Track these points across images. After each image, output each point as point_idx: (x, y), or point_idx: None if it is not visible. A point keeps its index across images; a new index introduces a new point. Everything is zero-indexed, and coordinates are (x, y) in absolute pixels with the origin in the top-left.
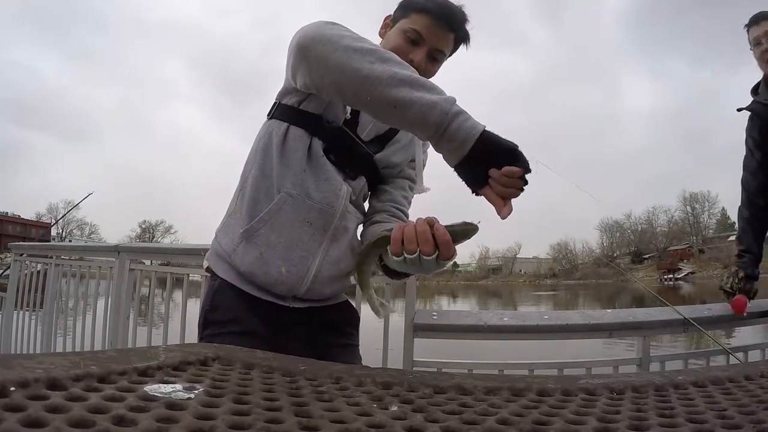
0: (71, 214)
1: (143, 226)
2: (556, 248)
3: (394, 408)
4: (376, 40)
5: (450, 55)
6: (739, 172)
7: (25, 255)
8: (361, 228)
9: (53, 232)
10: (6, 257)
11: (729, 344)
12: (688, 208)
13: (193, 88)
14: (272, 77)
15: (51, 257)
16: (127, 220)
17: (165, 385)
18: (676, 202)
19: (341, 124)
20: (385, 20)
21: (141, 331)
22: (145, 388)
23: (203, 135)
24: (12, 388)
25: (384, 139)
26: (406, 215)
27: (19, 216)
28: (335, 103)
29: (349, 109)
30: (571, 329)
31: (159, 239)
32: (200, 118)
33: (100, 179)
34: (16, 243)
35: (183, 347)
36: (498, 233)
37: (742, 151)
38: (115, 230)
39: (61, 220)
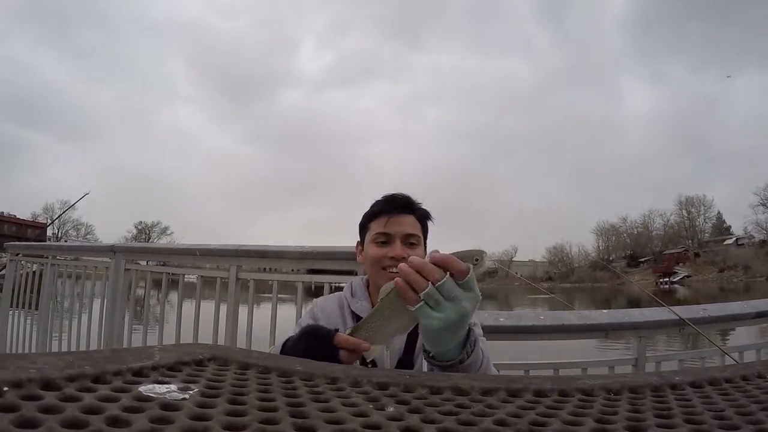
0: (67, 215)
1: (139, 226)
2: (552, 251)
3: (391, 409)
4: (356, 232)
5: (426, 235)
6: (737, 177)
7: (20, 255)
8: None
9: (49, 232)
10: (1, 257)
11: (724, 344)
12: (684, 212)
13: (192, 88)
14: (273, 78)
15: (47, 257)
16: (123, 221)
17: (160, 385)
18: (672, 206)
19: None
20: (357, 248)
21: (136, 331)
22: (139, 389)
23: (200, 136)
24: (5, 388)
25: None
26: None
27: (15, 216)
28: None
29: None
30: (567, 329)
31: (155, 240)
32: (198, 118)
33: (97, 179)
34: (12, 243)
35: (178, 347)
36: (495, 236)
37: (739, 156)
38: (111, 231)
39: (56, 221)
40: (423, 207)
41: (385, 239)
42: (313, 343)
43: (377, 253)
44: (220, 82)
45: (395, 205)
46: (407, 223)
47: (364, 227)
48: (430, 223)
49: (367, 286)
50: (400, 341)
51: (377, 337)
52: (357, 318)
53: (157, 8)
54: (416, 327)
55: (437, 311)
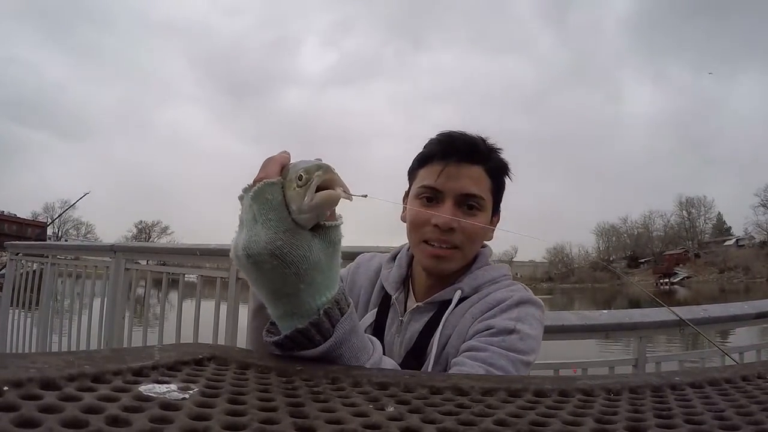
0: (67, 214)
1: (139, 226)
2: (552, 252)
3: (391, 409)
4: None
5: (499, 198)
6: (737, 177)
7: (21, 254)
8: None
9: (49, 231)
10: (2, 256)
11: (725, 345)
12: (685, 212)
13: (193, 87)
14: (275, 77)
15: (47, 257)
16: (123, 220)
17: (160, 385)
18: (673, 207)
19: None
20: (403, 199)
21: (136, 330)
22: (139, 388)
23: (202, 135)
24: (5, 388)
25: None
26: None
27: (15, 215)
28: None
29: None
30: (568, 330)
31: (155, 240)
32: (200, 118)
33: (97, 178)
34: (12, 242)
35: (178, 347)
36: (495, 236)
37: (739, 157)
38: (112, 230)
39: (57, 220)
40: (500, 155)
41: (432, 195)
42: None
43: (418, 216)
44: (222, 82)
45: (455, 150)
46: (469, 177)
47: (412, 173)
48: (508, 181)
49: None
50: (413, 331)
51: None
52: (381, 287)
53: (160, 7)
54: (435, 316)
55: (236, 233)
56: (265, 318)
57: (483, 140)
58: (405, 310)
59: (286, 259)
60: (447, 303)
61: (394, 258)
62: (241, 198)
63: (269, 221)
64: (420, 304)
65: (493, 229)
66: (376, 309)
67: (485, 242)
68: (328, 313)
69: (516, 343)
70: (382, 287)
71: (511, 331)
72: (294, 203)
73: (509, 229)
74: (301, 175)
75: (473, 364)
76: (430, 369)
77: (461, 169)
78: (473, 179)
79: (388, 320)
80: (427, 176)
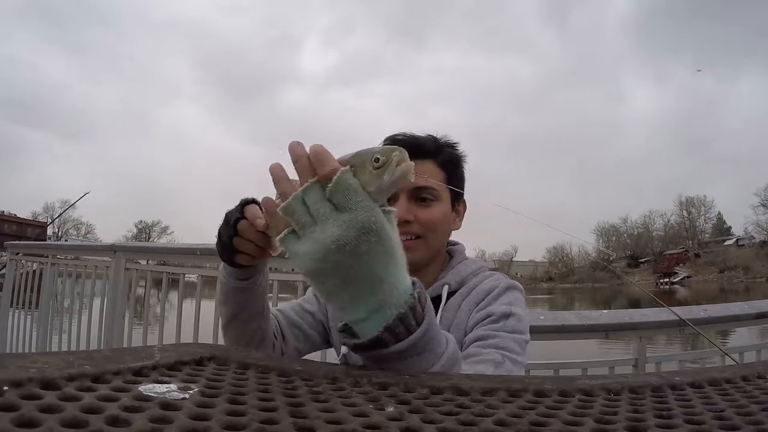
0: (67, 214)
1: (139, 226)
2: (552, 252)
3: (391, 409)
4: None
5: (456, 186)
6: (737, 177)
7: (20, 254)
8: None
9: (49, 231)
10: (2, 256)
11: (724, 345)
12: (685, 212)
13: (194, 87)
14: (276, 77)
15: (47, 256)
16: (123, 220)
17: (160, 385)
18: (673, 207)
19: None
20: None
21: (136, 330)
22: (139, 388)
23: (202, 135)
24: (5, 388)
25: None
26: None
27: (15, 215)
28: None
29: None
30: (567, 330)
31: (155, 239)
32: (200, 117)
33: (97, 178)
34: (12, 242)
35: (178, 347)
36: (494, 236)
37: (740, 156)
38: (112, 230)
39: (57, 220)
40: (452, 148)
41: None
42: (223, 220)
43: None
44: (223, 81)
45: (410, 150)
46: (420, 172)
47: None
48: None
49: None
50: None
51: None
52: None
53: (161, 7)
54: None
55: (302, 241)
56: (239, 327)
57: (433, 138)
58: None
59: (382, 234)
60: (435, 299)
61: None
62: (290, 209)
63: (359, 203)
64: None
65: (458, 219)
66: None
67: (454, 231)
68: (419, 295)
69: (516, 325)
70: None
71: (508, 315)
72: (371, 185)
73: (559, 228)
74: (377, 157)
75: (488, 351)
76: None
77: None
78: (426, 173)
79: None
80: None
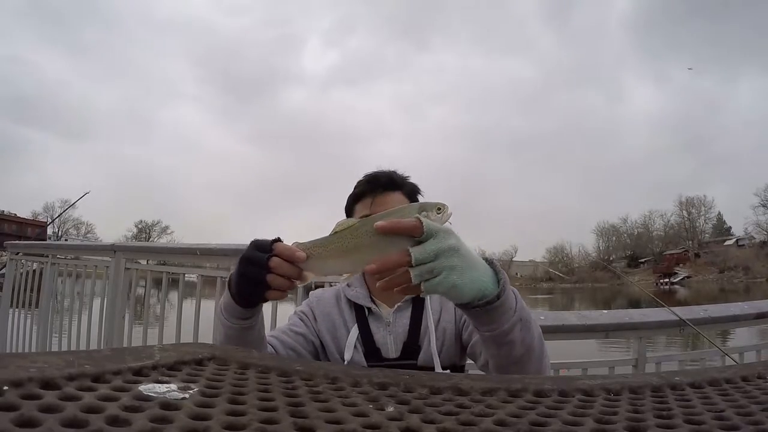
0: (67, 213)
1: (139, 225)
2: (552, 251)
3: (391, 409)
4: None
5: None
6: (737, 177)
7: (21, 254)
8: None
9: (49, 231)
10: (2, 256)
11: (724, 345)
12: (685, 212)
13: (195, 86)
14: (277, 77)
15: (47, 256)
16: (123, 220)
17: (160, 384)
18: (673, 207)
19: None
20: None
21: (137, 330)
22: (139, 388)
23: (203, 134)
24: (5, 387)
25: None
26: None
27: (15, 215)
28: None
29: None
30: (568, 330)
31: (155, 239)
32: (201, 117)
33: (98, 178)
34: (12, 242)
35: (178, 347)
36: (494, 236)
37: (739, 158)
38: (112, 230)
39: (57, 219)
40: (410, 181)
41: None
42: (245, 262)
43: None
44: (223, 81)
45: (378, 184)
46: (393, 201)
47: (349, 211)
48: (421, 197)
49: (364, 275)
50: (403, 326)
51: (317, 265)
52: (354, 305)
53: (162, 6)
54: (416, 307)
55: (439, 277)
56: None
57: (395, 173)
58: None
59: (461, 242)
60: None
61: (348, 284)
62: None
63: (448, 232)
64: (400, 303)
65: None
66: (356, 324)
67: None
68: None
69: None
70: (351, 306)
71: None
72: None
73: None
74: (440, 207)
75: None
76: (433, 344)
77: (386, 196)
78: (397, 202)
79: (372, 327)
80: (363, 209)
